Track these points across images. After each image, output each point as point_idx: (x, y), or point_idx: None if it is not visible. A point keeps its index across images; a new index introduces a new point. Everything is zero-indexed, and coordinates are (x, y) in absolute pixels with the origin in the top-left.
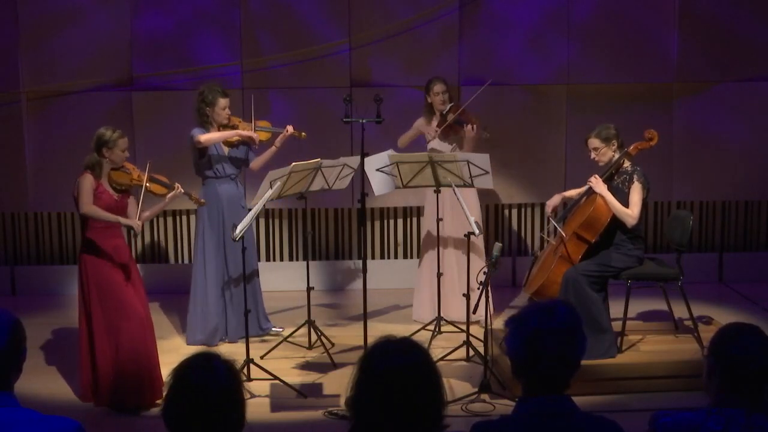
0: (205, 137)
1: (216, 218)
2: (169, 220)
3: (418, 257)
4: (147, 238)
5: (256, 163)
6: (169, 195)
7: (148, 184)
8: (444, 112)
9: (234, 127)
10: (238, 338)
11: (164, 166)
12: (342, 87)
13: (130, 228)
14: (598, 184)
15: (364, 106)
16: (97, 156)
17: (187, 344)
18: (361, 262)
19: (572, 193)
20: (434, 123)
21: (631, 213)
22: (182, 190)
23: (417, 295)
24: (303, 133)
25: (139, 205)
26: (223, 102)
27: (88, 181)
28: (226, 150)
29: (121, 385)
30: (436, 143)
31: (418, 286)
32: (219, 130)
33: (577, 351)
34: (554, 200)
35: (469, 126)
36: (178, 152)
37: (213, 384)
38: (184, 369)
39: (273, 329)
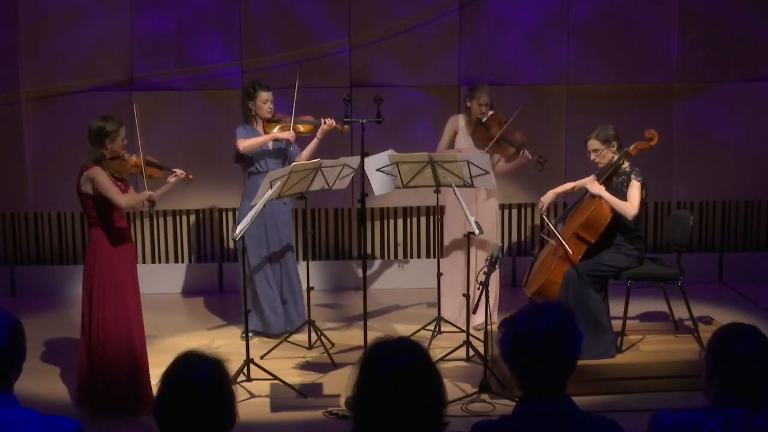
0: (243, 145)
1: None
2: (170, 219)
3: (417, 257)
4: (147, 238)
5: (302, 156)
6: (172, 180)
7: (145, 169)
8: (484, 120)
9: (278, 122)
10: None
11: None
12: (342, 87)
13: (151, 201)
14: (593, 186)
15: (364, 106)
16: (100, 149)
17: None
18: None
19: (566, 187)
20: (471, 127)
21: (629, 205)
22: (183, 173)
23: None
24: (345, 127)
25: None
26: (264, 95)
27: (104, 175)
28: (270, 145)
29: (109, 390)
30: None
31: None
32: (264, 126)
33: (567, 354)
34: (547, 197)
35: (525, 152)
36: (178, 152)
37: (197, 382)
38: (172, 368)
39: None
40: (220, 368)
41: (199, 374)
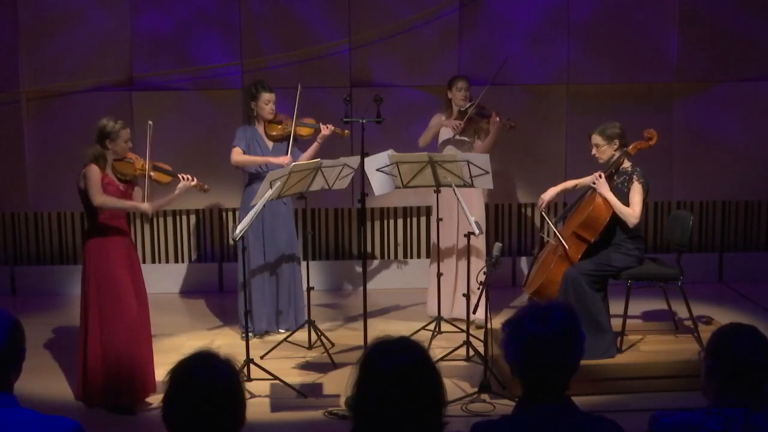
0: (236, 160)
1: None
2: (170, 219)
3: (417, 257)
4: (147, 238)
5: (303, 158)
6: (180, 186)
7: (152, 173)
8: (463, 109)
9: (279, 123)
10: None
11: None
12: (342, 87)
13: (143, 213)
14: (601, 185)
15: (364, 106)
16: (101, 148)
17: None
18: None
19: (567, 185)
20: (452, 118)
21: (632, 212)
22: (195, 181)
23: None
24: (346, 132)
25: (145, 195)
26: (266, 96)
27: (95, 173)
28: (270, 146)
29: (110, 385)
30: (455, 140)
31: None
32: (265, 127)
33: (575, 355)
34: (548, 194)
35: (494, 115)
36: (178, 152)
37: (214, 383)
38: (184, 368)
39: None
40: (233, 370)
41: (215, 376)
